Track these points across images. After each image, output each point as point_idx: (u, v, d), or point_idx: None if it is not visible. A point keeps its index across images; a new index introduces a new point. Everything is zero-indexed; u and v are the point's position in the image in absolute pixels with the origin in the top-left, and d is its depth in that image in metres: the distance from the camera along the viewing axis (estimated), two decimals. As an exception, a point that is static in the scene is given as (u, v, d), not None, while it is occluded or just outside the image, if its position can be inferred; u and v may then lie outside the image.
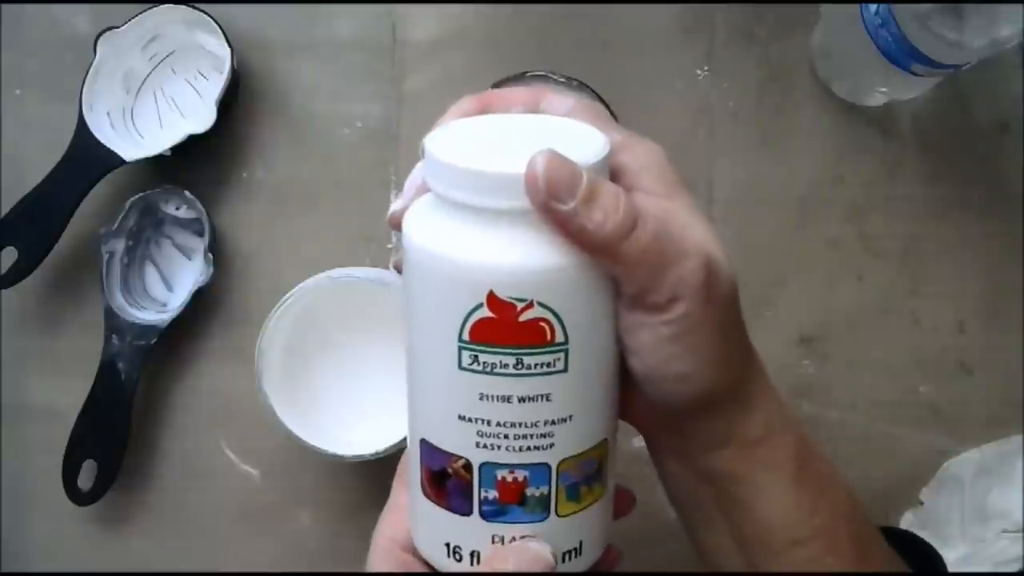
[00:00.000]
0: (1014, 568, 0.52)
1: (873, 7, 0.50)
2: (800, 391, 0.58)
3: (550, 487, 0.32)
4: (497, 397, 0.31)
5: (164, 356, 0.60)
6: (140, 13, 0.57)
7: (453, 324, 0.30)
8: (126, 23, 0.57)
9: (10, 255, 0.57)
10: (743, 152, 0.59)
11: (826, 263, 0.58)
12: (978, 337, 0.58)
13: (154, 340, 0.57)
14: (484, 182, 0.29)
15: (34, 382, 0.61)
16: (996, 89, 0.58)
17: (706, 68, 0.59)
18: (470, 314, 0.30)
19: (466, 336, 0.30)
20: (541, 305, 0.29)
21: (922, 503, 0.57)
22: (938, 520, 0.56)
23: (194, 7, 0.57)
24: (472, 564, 0.33)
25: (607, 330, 0.32)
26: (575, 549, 0.34)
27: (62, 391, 0.59)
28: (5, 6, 0.61)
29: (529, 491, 0.32)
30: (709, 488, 0.35)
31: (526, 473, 0.32)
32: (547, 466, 0.32)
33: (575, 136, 0.32)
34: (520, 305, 0.29)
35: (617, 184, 0.31)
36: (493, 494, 0.32)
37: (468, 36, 0.60)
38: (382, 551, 0.37)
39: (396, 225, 0.33)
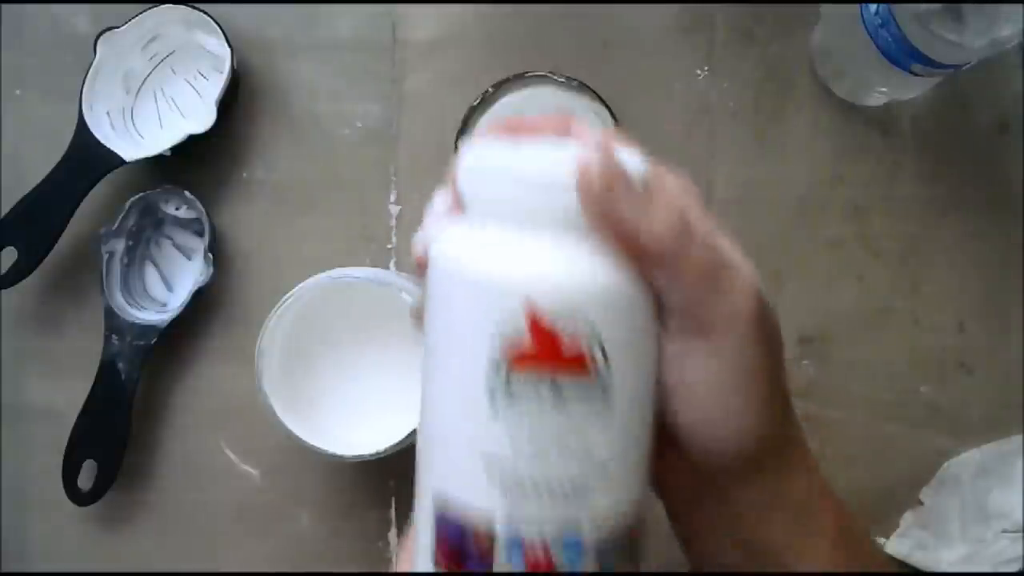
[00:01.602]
0: (1014, 568, 0.52)
1: (873, 7, 0.50)
2: (800, 391, 0.58)
3: (582, 553, 0.27)
4: (527, 436, 0.27)
5: (164, 356, 0.60)
6: (140, 13, 0.57)
7: (483, 345, 0.27)
8: (126, 23, 0.57)
9: (10, 255, 0.57)
10: (743, 152, 0.59)
11: (826, 263, 0.58)
12: (978, 337, 0.58)
13: (154, 340, 0.57)
14: (526, 181, 0.27)
15: (34, 382, 0.61)
16: (996, 89, 0.58)
17: (706, 68, 0.59)
18: (503, 334, 0.27)
19: (498, 357, 0.27)
20: (581, 325, 0.27)
21: (922, 503, 0.57)
22: (938, 520, 0.56)
23: (194, 7, 0.57)
24: None
25: (649, 359, 0.29)
26: None
27: (62, 391, 0.59)
28: (5, 6, 0.61)
29: (556, 555, 0.27)
30: (742, 554, 0.32)
31: (556, 535, 0.27)
32: (579, 533, 0.27)
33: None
34: (559, 324, 0.26)
35: None
36: (519, 563, 0.27)
37: (468, 36, 0.60)
38: None
39: (422, 265, 0.30)
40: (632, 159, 0.29)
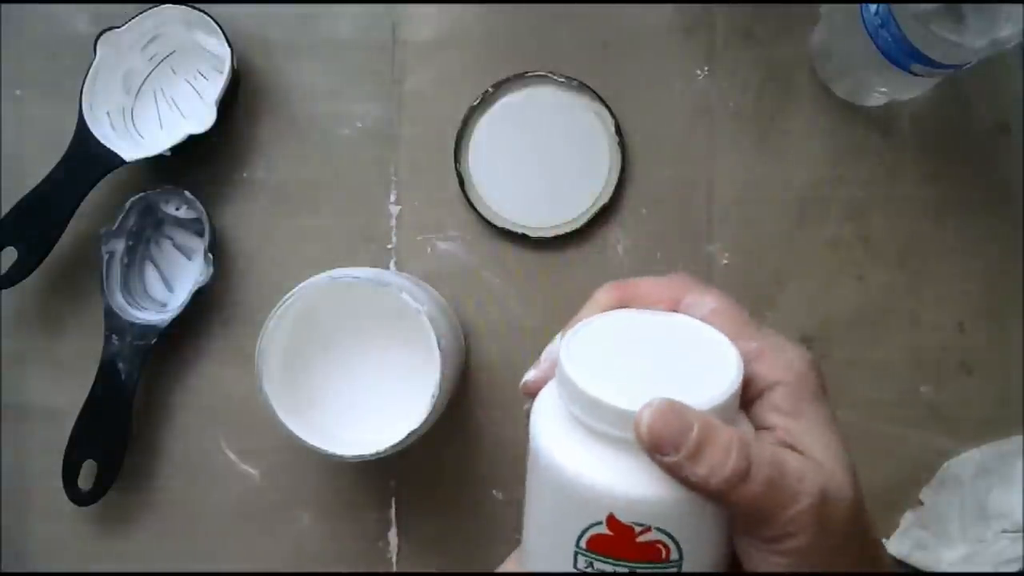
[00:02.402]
0: (1014, 568, 0.52)
1: (873, 7, 0.50)
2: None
3: None
4: None
5: (164, 356, 0.60)
6: (140, 13, 0.57)
7: (571, 531, 0.31)
8: (126, 23, 0.57)
9: (10, 255, 0.57)
10: (743, 152, 0.59)
11: (826, 263, 0.58)
12: (978, 337, 0.58)
13: (154, 340, 0.57)
14: (606, 412, 0.30)
15: (34, 382, 0.61)
16: (996, 89, 0.58)
17: (706, 68, 0.59)
18: (589, 528, 0.30)
19: (583, 544, 0.31)
20: (659, 530, 0.30)
21: (922, 503, 0.57)
22: (938, 520, 0.56)
23: (194, 7, 0.57)
24: None
25: (722, 543, 0.32)
26: None
27: (62, 391, 0.59)
28: (5, 6, 0.61)
29: None
30: None
31: None
32: None
33: (708, 359, 0.32)
34: (638, 529, 0.30)
35: (747, 393, 0.32)
36: None
37: (468, 36, 0.60)
38: None
39: (530, 393, 0.34)
40: (720, 378, 0.31)
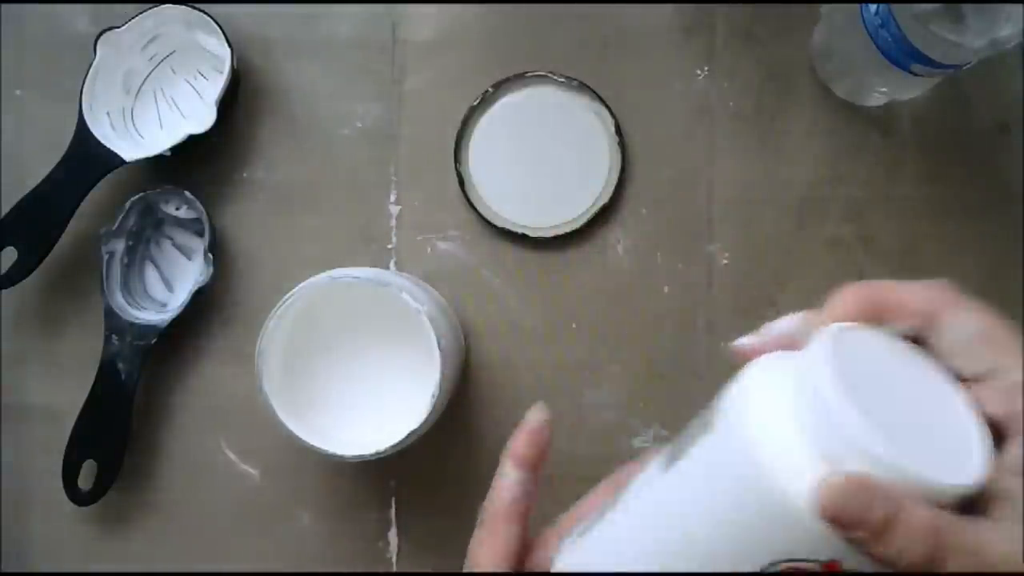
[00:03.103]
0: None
1: (873, 7, 0.50)
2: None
3: None
4: None
5: (164, 356, 0.60)
6: (140, 13, 0.57)
7: (765, 552, 0.28)
8: (126, 23, 0.57)
9: (10, 255, 0.57)
10: (743, 152, 0.59)
11: (826, 263, 0.58)
12: (978, 337, 0.58)
13: (154, 340, 0.57)
14: (866, 459, 0.26)
15: (34, 382, 0.61)
16: (996, 89, 0.58)
17: (706, 68, 0.59)
18: (797, 560, 0.27)
19: (780, 569, 0.28)
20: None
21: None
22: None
23: (194, 7, 0.57)
24: None
25: None
26: None
27: (62, 391, 0.59)
28: (5, 6, 0.61)
29: None
30: None
31: None
32: None
33: (953, 435, 0.28)
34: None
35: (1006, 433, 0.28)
36: None
37: (468, 36, 0.60)
38: None
39: (740, 357, 0.31)
40: (957, 468, 0.27)
